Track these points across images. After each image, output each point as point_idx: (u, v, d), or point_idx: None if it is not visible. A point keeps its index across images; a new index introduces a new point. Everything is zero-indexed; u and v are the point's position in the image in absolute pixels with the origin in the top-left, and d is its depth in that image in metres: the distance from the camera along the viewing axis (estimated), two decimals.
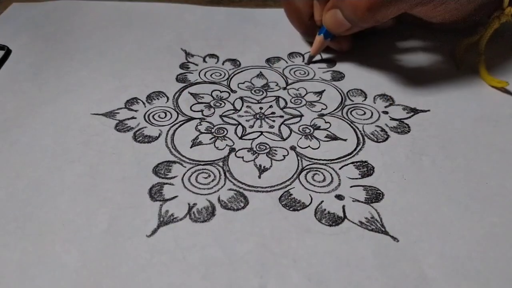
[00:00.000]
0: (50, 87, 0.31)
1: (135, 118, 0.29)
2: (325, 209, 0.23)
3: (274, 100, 0.31)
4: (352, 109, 0.30)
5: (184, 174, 0.25)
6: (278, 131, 0.28)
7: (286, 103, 0.30)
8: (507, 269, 0.20)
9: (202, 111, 0.29)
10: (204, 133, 0.28)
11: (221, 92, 0.31)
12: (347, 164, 0.25)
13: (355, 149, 0.26)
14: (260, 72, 0.34)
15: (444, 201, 0.23)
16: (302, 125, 0.28)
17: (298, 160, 0.26)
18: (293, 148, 0.26)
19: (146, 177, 0.24)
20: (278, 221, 0.22)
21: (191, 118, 0.29)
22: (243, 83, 0.32)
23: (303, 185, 0.24)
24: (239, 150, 0.26)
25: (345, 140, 0.27)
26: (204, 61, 0.35)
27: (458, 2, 0.30)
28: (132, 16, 0.41)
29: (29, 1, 0.44)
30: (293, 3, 0.34)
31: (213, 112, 0.29)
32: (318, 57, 0.35)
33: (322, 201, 0.23)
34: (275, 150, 0.26)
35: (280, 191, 0.24)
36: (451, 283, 0.19)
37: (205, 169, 0.25)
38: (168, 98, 0.31)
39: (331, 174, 0.25)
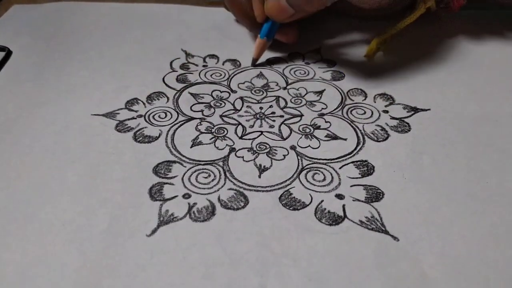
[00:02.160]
0: (50, 88, 0.32)
1: (135, 118, 0.29)
2: (325, 209, 0.23)
3: (274, 100, 0.31)
4: (352, 108, 0.30)
5: (184, 174, 0.25)
6: (278, 130, 0.28)
7: (286, 103, 0.30)
8: (507, 268, 0.20)
9: (202, 111, 0.29)
10: (204, 133, 0.28)
11: (221, 92, 0.31)
12: (347, 164, 0.25)
13: (355, 149, 0.26)
14: (260, 72, 0.34)
15: (445, 201, 0.23)
16: (302, 124, 0.28)
17: (298, 159, 0.26)
18: (293, 147, 0.26)
19: (146, 177, 0.24)
20: (278, 221, 0.22)
21: (191, 118, 0.29)
22: (243, 83, 0.32)
23: (303, 185, 0.24)
24: (239, 150, 0.26)
25: (345, 139, 0.27)
26: (204, 61, 0.35)
27: None
28: (132, 17, 0.41)
29: (29, 2, 0.44)
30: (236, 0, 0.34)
31: (213, 112, 0.29)
32: (320, 60, 0.35)
33: (322, 201, 0.23)
34: (275, 150, 0.26)
35: (280, 191, 0.24)
36: (451, 283, 0.19)
37: (205, 168, 0.25)
38: (168, 99, 0.31)
39: (331, 174, 0.25)
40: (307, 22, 0.38)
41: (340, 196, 0.23)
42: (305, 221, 0.22)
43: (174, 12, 0.42)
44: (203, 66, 0.34)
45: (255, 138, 0.27)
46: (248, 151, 0.26)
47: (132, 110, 0.29)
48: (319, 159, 0.26)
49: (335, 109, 0.30)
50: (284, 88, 0.32)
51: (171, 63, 0.34)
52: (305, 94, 0.31)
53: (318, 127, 0.28)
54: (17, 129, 0.28)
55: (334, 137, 0.27)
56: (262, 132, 0.28)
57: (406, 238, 0.21)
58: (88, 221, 0.22)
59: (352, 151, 0.26)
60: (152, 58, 0.35)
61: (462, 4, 0.35)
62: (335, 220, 0.22)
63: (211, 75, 0.33)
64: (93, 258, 0.20)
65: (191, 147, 0.26)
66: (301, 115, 0.29)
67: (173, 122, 0.28)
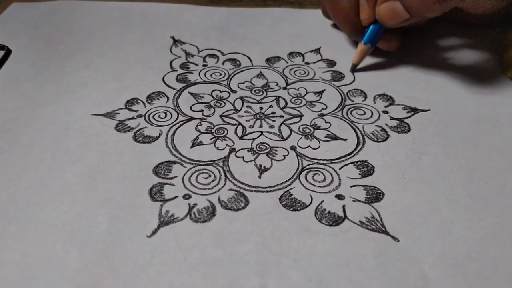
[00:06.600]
0: (50, 88, 0.31)
1: (135, 118, 0.29)
2: (325, 209, 0.23)
3: (274, 100, 0.31)
4: (352, 109, 0.30)
5: (184, 174, 0.25)
6: (278, 131, 0.28)
7: (286, 103, 0.30)
8: (507, 269, 0.20)
9: (202, 111, 0.29)
10: (204, 133, 0.28)
11: (221, 92, 0.31)
12: (347, 164, 0.25)
13: (355, 149, 0.26)
14: (260, 72, 0.34)
15: (444, 201, 0.23)
16: (302, 125, 0.28)
17: (298, 160, 0.26)
18: (293, 148, 0.26)
19: (146, 177, 0.24)
20: (278, 221, 0.22)
21: (191, 118, 0.29)
22: (243, 83, 0.32)
23: (303, 185, 0.24)
24: (239, 150, 0.26)
25: (345, 140, 0.27)
26: (204, 61, 0.35)
27: None
28: (132, 17, 0.41)
29: (29, 1, 0.44)
30: (338, 3, 0.32)
31: (213, 112, 0.29)
32: (320, 60, 0.35)
33: (322, 201, 0.23)
34: (275, 150, 0.26)
35: (280, 191, 0.24)
36: (451, 283, 0.19)
37: (205, 169, 0.25)
38: (168, 98, 0.31)
39: (331, 174, 0.25)
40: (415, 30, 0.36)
41: (340, 197, 0.23)
42: (305, 222, 0.22)
43: (174, 12, 0.42)
44: (203, 65, 0.34)
45: (255, 138, 0.27)
46: (248, 151, 0.26)
47: (132, 110, 0.29)
48: (319, 159, 0.26)
49: (335, 110, 0.30)
50: (284, 88, 0.32)
51: (171, 62, 0.34)
52: (305, 94, 0.31)
53: (318, 128, 0.28)
54: (17, 129, 0.28)
55: (334, 138, 0.27)
56: (262, 132, 0.28)
57: (406, 239, 0.21)
58: (88, 221, 0.22)
59: (352, 152, 0.26)
60: (152, 58, 0.35)
61: None
62: (335, 220, 0.22)
63: (211, 75, 0.33)
64: (93, 258, 0.20)
65: (191, 148, 0.26)
66: (301, 115, 0.29)
67: (173, 122, 0.28)
